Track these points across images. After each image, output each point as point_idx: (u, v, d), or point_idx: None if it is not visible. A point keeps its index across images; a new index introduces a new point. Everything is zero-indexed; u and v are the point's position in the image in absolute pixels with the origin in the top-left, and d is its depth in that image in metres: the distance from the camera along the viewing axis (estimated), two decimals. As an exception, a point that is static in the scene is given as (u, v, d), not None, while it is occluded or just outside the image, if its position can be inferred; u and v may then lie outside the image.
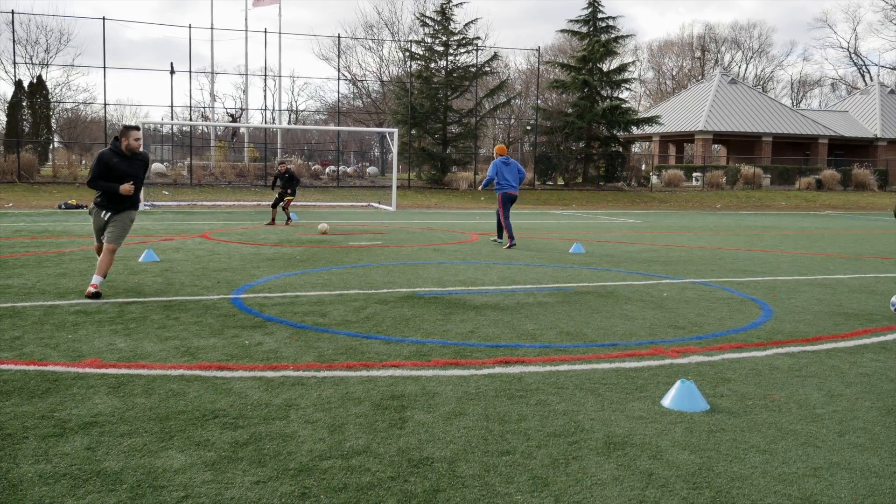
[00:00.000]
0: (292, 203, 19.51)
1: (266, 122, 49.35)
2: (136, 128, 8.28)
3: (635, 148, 54.73)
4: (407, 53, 40.76)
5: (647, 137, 53.35)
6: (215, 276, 9.79)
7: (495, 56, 41.47)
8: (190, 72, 36.29)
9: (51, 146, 40.46)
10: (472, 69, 38.68)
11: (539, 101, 45.62)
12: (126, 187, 8.03)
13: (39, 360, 5.55)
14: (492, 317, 7.51)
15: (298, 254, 12.55)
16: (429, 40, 39.03)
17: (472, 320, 7.31)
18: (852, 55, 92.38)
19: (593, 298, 8.74)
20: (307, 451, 3.98)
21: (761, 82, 78.85)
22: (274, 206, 18.92)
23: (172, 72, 35.59)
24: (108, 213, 8.26)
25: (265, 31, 37.63)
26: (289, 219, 19.00)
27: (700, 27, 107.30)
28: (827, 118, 54.46)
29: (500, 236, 15.30)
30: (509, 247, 14.24)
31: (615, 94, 40.82)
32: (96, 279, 8.17)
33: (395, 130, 29.89)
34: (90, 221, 8.59)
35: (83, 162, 38.57)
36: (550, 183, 40.23)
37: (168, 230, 16.45)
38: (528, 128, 43.42)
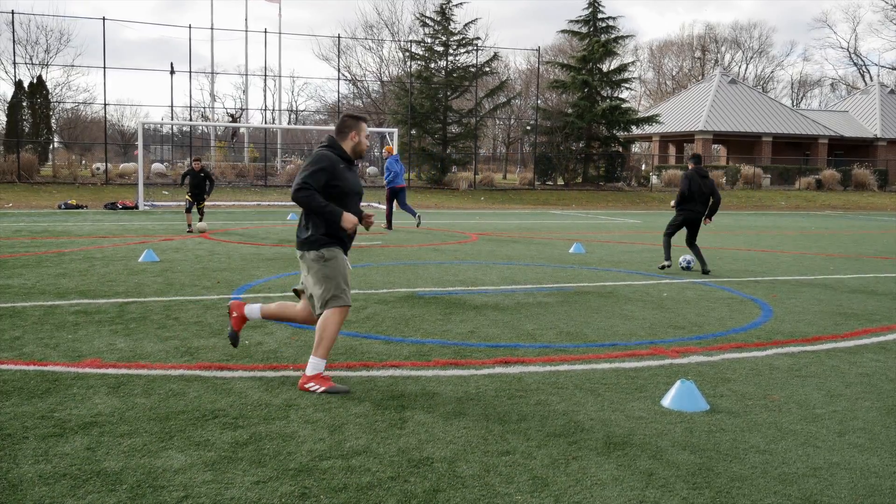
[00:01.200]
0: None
1: (266, 122, 49.35)
2: (365, 119, 5.43)
3: (635, 148, 54.65)
4: (407, 53, 40.76)
5: (647, 137, 53.34)
6: (215, 276, 9.79)
7: (495, 56, 41.47)
8: (190, 72, 36.31)
9: (51, 146, 40.45)
10: (472, 69, 38.68)
11: (539, 101, 45.61)
12: (352, 220, 5.05)
13: (39, 360, 5.55)
14: (492, 317, 7.51)
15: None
16: (429, 40, 39.02)
17: (472, 320, 7.31)
18: (852, 55, 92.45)
19: (593, 298, 8.74)
20: (307, 451, 3.98)
21: (761, 82, 78.85)
22: (188, 210, 16.00)
23: (172, 72, 35.59)
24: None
25: (265, 31, 37.66)
26: (194, 223, 16.15)
27: (700, 27, 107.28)
28: (827, 118, 54.44)
29: (390, 227, 17.65)
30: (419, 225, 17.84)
31: (615, 94, 40.82)
32: (316, 364, 5.07)
33: (395, 130, 29.89)
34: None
35: (83, 162, 38.58)
36: (550, 183, 40.23)
37: (168, 230, 16.44)
38: (528, 128, 43.42)
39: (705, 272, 10.95)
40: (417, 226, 18.23)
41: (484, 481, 3.67)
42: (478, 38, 40.60)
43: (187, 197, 16.22)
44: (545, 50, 59.12)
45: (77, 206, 23.85)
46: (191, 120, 39.38)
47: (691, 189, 11.07)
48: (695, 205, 11.13)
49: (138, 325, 6.79)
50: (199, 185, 16.04)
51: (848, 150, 53.74)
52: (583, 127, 38.92)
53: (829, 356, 6.26)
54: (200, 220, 16.29)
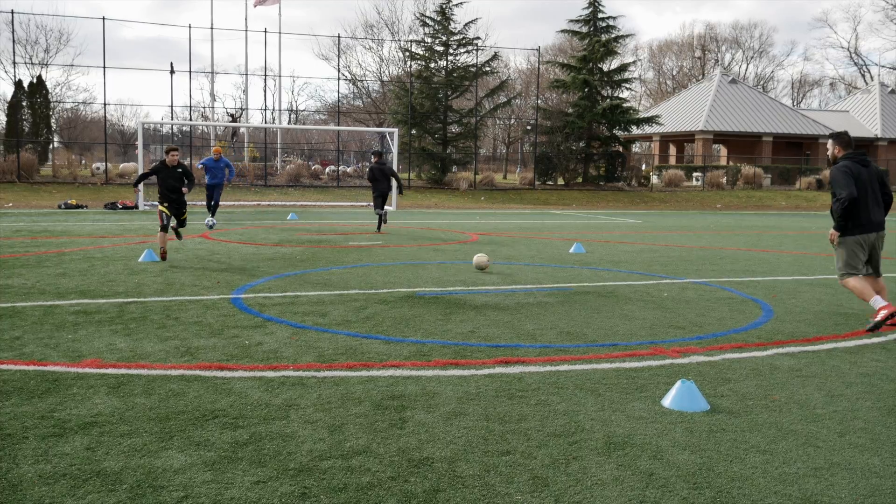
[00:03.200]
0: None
1: (266, 122, 49.34)
2: None
3: (635, 148, 54.69)
4: (407, 53, 40.75)
5: (648, 137, 53.34)
6: (215, 276, 9.79)
7: (495, 56, 41.45)
8: (190, 72, 36.31)
9: (51, 146, 40.45)
10: (472, 69, 38.66)
11: (539, 101, 45.60)
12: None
13: (39, 360, 5.55)
14: (492, 317, 7.51)
15: (298, 254, 12.55)
16: (429, 40, 39.00)
17: (472, 320, 7.31)
18: (852, 55, 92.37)
19: (593, 298, 8.74)
20: (307, 451, 3.97)
21: (761, 82, 78.84)
22: (164, 228, 11.45)
23: (172, 72, 35.58)
24: None
25: (265, 31, 37.62)
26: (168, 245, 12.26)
27: (701, 27, 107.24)
28: (827, 118, 54.42)
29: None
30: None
31: (615, 94, 40.80)
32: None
33: (395, 130, 29.89)
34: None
35: (83, 162, 38.57)
36: (550, 183, 40.21)
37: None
38: (528, 128, 43.40)
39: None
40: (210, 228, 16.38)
41: (484, 481, 3.66)
42: (478, 38, 40.58)
43: (162, 208, 11.23)
44: (545, 49, 59.14)
45: (77, 206, 23.85)
46: (191, 120, 39.37)
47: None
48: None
49: (138, 325, 6.79)
50: (175, 189, 11.31)
51: (848, 150, 53.65)
52: (583, 127, 38.91)
53: (829, 356, 6.26)
54: (180, 237, 12.03)
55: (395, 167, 30.50)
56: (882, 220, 7.40)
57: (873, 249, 7.46)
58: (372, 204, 17.90)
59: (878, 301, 7.09)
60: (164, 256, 11.22)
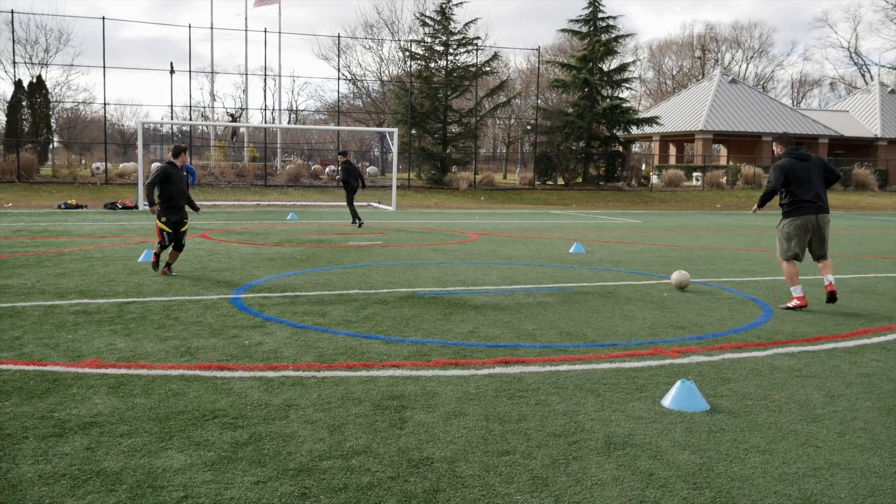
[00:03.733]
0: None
1: (266, 122, 49.34)
2: None
3: (635, 148, 54.64)
4: (407, 53, 40.74)
5: (648, 137, 53.34)
6: (215, 276, 9.79)
7: (495, 56, 41.43)
8: (190, 71, 36.30)
9: (50, 146, 40.45)
10: (472, 69, 38.65)
11: (539, 101, 45.60)
12: None
13: (39, 360, 5.55)
14: (492, 317, 7.51)
15: (298, 254, 12.55)
16: (429, 40, 38.99)
17: (472, 320, 7.31)
18: (852, 55, 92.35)
19: (593, 298, 8.74)
20: (307, 451, 3.97)
21: (761, 82, 78.84)
22: (165, 245, 9.86)
23: (172, 71, 35.58)
24: None
25: (265, 31, 37.61)
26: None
27: (701, 27, 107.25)
28: (827, 118, 54.42)
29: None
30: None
31: (615, 94, 40.80)
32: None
33: (395, 130, 29.88)
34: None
35: (83, 161, 38.57)
36: (550, 183, 40.20)
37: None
38: (528, 127, 43.40)
39: None
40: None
41: (484, 481, 3.66)
42: (478, 38, 40.57)
43: (163, 226, 9.67)
44: (545, 49, 59.14)
45: (77, 206, 23.84)
46: (191, 119, 39.37)
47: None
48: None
49: (138, 325, 6.79)
50: (184, 194, 9.93)
51: (848, 150, 53.73)
52: (583, 127, 38.90)
53: (829, 356, 6.26)
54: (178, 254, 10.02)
55: (395, 167, 30.49)
56: (822, 204, 8.38)
57: (817, 229, 8.38)
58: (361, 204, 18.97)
59: (796, 290, 8.26)
60: (157, 262, 9.77)
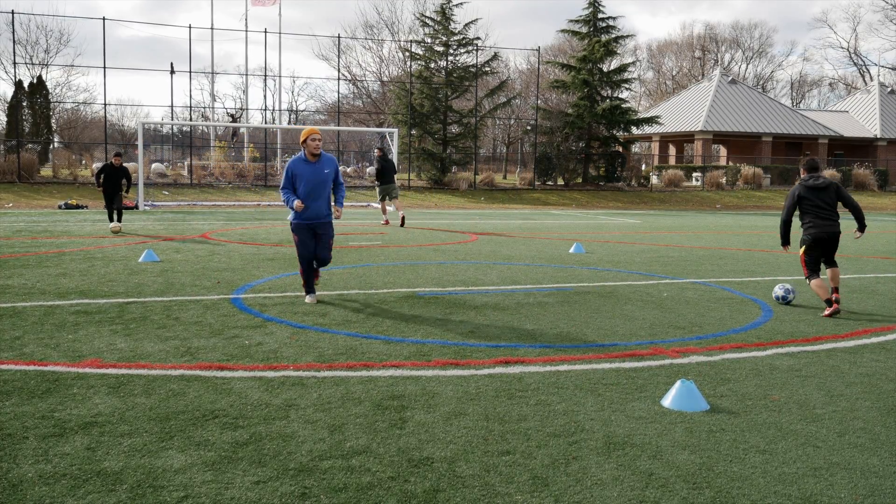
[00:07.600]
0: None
1: (266, 122, 49.34)
2: None
3: (635, 148, 54.64)
4: (407, 53, 40.73)
5: (647, 137, 53.33)
6: (215, 276, 9.79)
7: (495, 56, 41.43)
8: (190, 72, 36.29)
9: (51, 146, 40.44)
10: (472, 69, 38.65)
11: (539, 101, 45.59)
12: None
13: (39, 360, 5.55)
14: (492, 317, 7.51)
15: (298, 254, 12.54)
16: (429, 40, 38.98)
17: (472, 320, 7.31)
18: (852, 55, 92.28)
19: (593, 298, 8.74)
20: (307, 451, 3.98)
21: (761, 82, 78.82)
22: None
23: (172, 72, 35.58)
24: None
25: (265, 31, 37.60)
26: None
27: (700, 27, 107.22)
28: (827, 118, 54.41)
29: None
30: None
31: (615, 94, 40.80)
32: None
33: (396, 130, 29.88)
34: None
35: (83, 162, 38.57)
36: (550, 183, 40.20)
37: (168, 230, 16.43)
38: (528, 128, 43.40)
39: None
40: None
41: (484, 481, 3.67)
42: (478, 38, 40.54)
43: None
44: (545, 50, 59.15)
45: (77, 206, 23.84)
46: (191, 120, 39.36)
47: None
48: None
49: (138, 325, 6.79)
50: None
51: (848, 150, 53.72)
52: (583, 127, 38.91)
53: (829, 356, 6.26)
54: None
55: (395, 167, 30.48)
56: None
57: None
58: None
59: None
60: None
